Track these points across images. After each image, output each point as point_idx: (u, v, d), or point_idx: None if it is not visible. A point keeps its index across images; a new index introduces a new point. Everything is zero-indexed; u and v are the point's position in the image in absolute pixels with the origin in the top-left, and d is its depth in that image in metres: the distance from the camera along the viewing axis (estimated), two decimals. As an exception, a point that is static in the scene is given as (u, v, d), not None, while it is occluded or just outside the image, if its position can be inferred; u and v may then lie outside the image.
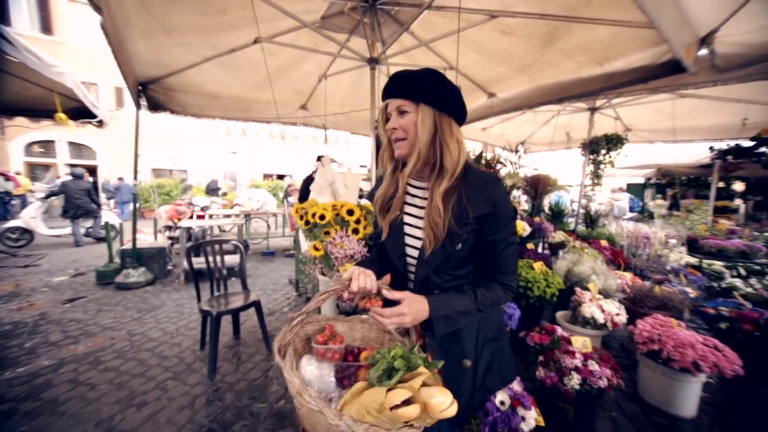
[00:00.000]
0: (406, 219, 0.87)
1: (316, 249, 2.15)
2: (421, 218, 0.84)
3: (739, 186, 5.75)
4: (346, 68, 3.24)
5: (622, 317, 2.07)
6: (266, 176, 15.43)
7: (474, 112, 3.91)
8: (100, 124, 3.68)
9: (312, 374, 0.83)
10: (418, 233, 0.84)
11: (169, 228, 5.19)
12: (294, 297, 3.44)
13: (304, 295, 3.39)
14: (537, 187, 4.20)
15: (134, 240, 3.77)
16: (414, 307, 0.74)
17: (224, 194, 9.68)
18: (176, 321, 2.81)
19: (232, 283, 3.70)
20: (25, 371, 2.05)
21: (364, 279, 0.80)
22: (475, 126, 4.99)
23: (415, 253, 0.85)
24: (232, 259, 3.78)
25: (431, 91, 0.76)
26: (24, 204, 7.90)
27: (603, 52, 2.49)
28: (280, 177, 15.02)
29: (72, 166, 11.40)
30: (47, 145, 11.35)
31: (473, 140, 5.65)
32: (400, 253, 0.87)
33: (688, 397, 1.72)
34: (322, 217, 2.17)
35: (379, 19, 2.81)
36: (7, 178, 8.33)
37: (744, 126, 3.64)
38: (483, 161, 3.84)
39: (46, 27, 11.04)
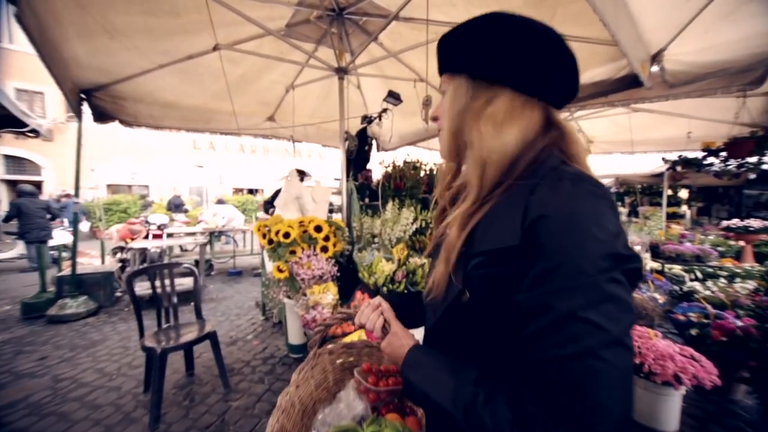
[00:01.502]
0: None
1: (280, 270, 1.95)
2: None
3: (683, 193, 6.26)
4: (315, 78, 3.14)
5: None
6: (236, 191, 14.81)
7: (445, 124, 3.92)
8: (36, 134, 3.27)
9: (345, 400, 0.67)
10: None
11: (120, 249, 4.70)
12: (260, 322, 3.16)
13: (272, 319, 3.12)
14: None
15: (74, 264, 3.33)
16: (394, 345, 0.54)
17: (186, 211, 9.10)
18: (119, 358, 2.45)
19: (189, 310, 3.35)
20: None
21: (368, 314, 0.59)
22: (447, 138, 5.06)
23: None
24: (187, 283, 3.44)
25: (474, 49, 0.46)
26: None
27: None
28: (252, 191, 14.47)
29: (9, 182, 10.28)
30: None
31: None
32: (427, 289, 0.57)
33: (671, 411, 1.68)
34: (286, 235, 1.99)
35: (347, 29, 2.75)
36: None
37: (689, 139, 3.95)
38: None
39: (-15, 32, 10.10)
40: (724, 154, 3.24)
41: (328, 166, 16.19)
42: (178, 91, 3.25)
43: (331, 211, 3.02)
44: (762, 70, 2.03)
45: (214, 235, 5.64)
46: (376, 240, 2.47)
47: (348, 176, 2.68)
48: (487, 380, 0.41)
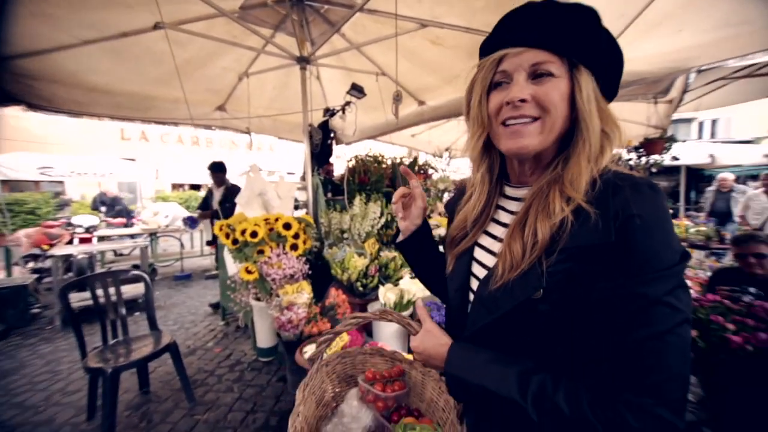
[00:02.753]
0: (482, 239, 0.57)
1: (249, 272, 1.84)
2: (501, 240, 0.52)
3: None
4: (272, 66, 2.95)
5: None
6: (176, 186, 13.43)
7: (406, 118, 3.99)
8: None
9: (349, 413, 0.63)
10: (493, 261, 0.53)
11: (34, 258, 4.00)
12: (220, 327, 2.95)
13: (234, 323, 2.94)
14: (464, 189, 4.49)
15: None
16: (428, 344, 0.53)
17: (130, 212, 8.03)
18: (46, 386, 2.10)
19: (135, 319, 3.00)
20: None
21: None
22: (405, 132, 5.13)
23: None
24: (132, 290, 3.07)
25: (598, 40, 0.46)
26: None
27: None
28: (195, 187, 13.23)
29: None
30: None
31: (403, 146, 5.82)
32: (459, 283, 0.57)
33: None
34: (254, 234, 1.88)
35: (308, 17, 2.63)
36: None
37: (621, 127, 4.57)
38: (416, 167, 3.94)
39: None
40: (642, 150, 3.79)
41: (280, 160, 15.43)
42: (109, 74, 2.82)
43: (296, 207, 2.92)
44: (668, 81, 2.40)
45: (155, 237, 5.08)
46: (345, 236, 2.45)
47: (313, 170, 2.60)
48: (543, 370, 0.44)
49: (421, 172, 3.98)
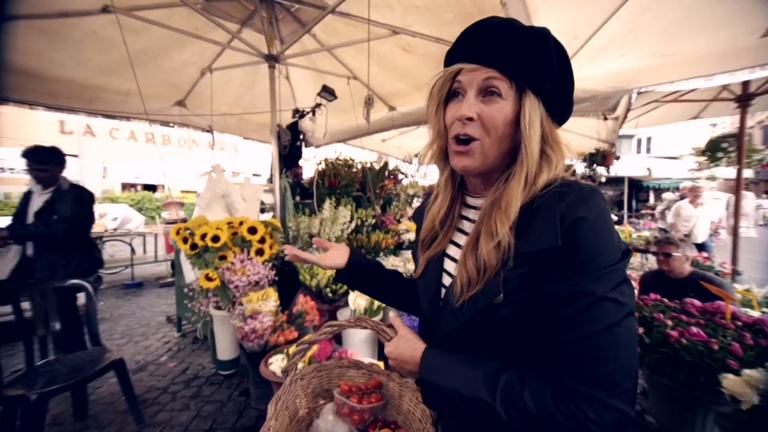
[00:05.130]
0: (449, 249, 0.59)
1: (209, 279, 1.72)
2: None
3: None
4: (239, 63, 2.83)
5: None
6: (126, 186, 12.34)
7: (377, 123, 4.00)
8: None
9: (324, 427, 0.60)
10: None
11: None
12: (176, 339, 2.73)
13: (191, 335, 2.73)
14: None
15: None
16: (402, 349, 0.54)
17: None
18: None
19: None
20: None
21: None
22: (376, 137, 5.14)
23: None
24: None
25: (555, 74, 0.47)
26: None
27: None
28: (149, 188, 12.23)
29: None
30: None
31: (372, 151, 5.83)
32: (431, 294, 0.58)
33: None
34: (215, 239, 1.76)
35: (277, 14, 2.55)
36: None
37: (568, 149, 4.95)
38: (387, 171, 3.97)
39: None
40: (590, 160, 4.13)
41: (246, 161, 14.79)
42: (43, 57, 2.52)
43: (262, 210, 2.79)
44: (615, 100, 2.64)
45: (101, 241, 4.60)
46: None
47: (281, 173, 2.50)
48: (510, 368, 0.46)
49: (391, 177, 4.01)
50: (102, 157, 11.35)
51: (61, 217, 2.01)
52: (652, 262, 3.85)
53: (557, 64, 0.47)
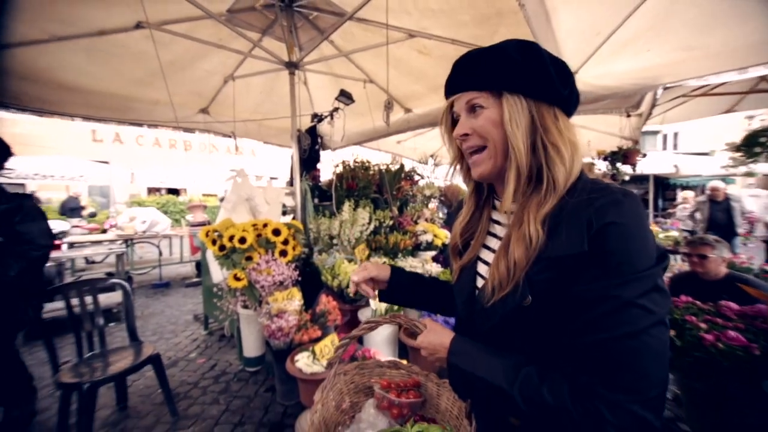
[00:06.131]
0: (482, 253, 0.62)
1: (237, 279, 1.80)
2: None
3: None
4: (260, 70, 2.93)
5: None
6: (152, 191, 12.90)
7: (393, 125, 4.03)
8: None
9: (366, 419, 0.64)
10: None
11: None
12: (203, 336, 2.85)
13: (217, 332, 2.84)
14: (449, 196, 4.57)
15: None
16: (432, 337, 0.58)
17: (92, 215, 7.61)
18: (14, 402, 1.96)
19: (110, 330, 2.84)
20: None
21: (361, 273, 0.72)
22: (391, 139, 5.18)
23: None
24: (109, 300, 2.91)
25: (521, 70, 0.51)
26: None
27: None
28: (173, 192, 12.75)
29: None
30: None
31: (388, 152, 5.86)
32: (465, 297, 0.62)
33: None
34: (242, 240, 1.84)
35: (296, 23, 2.63)
36: None
37: (589, 147, 4.78)
38: (403, 173, 3.98)
39: None
40: (611, 159, 4.00)
41: (263, 164, 15.17)
42: (83, 72, 2.70)
43: (283, 213, 2.88)
44: (639, 96, 2.56)
45: (131, 243, 4.85)
46: (334, 242, 2.44)
47: (302, 176, 2.58)
48: (532, 362, 0.48)
49: (408, 178, 4.03)
50: (129, 162, 11.93)
51: (31, 240, 1.49)
52: (680, 263, 3.69)
53: (523, 60, 0.51)
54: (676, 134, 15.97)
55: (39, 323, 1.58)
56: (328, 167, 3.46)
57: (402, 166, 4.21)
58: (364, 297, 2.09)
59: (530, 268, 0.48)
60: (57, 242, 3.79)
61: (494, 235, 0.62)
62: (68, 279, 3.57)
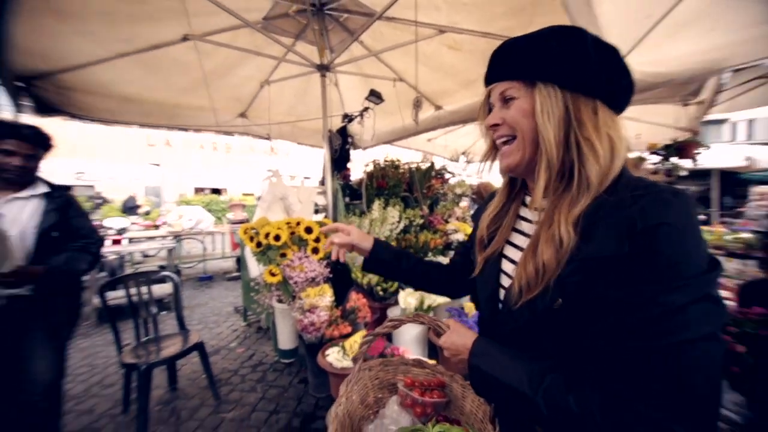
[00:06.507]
0: (506, 250, 0.60)
1: (273, 274, 1.89)
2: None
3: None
4: (293, 74, 3.04)
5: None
6: (198, 191, 13.90)
7: (423, 123, 3.99)
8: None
9: (390, 416, 0.66)
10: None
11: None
12: (242, 328, 3.04)
13: (255, 324, 3.01)
14: (482, 194, 4.44)
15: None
16: (455, 338, 0.57)
17: (147, 213, 8.39)
18: (86, 378, 2.23)
19: (162, 318, 3.12)
20: None
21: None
22: (422, 137, 5.13)
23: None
24: (160, 290, 3.20)
25: (556, 58, 0.48)
26: None
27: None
28: (215, 191, 13.66)
29: None
30: None
31: (419, 150, 5.81)
32: (488, 294, 0.60)
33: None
34: (277, 238, 1.93)
35: (327, 25, 2.69)
36: None
37: (638, 141, 4.38)
38: (433, 171, 3.93)
39: None
40: (663, 153, 3.62)
41: (297, 165, 15.75)
42: (139, 84, 2.98)
43: (315, 211, 2.97)
44: (699, 83, 2.30)
45: (179, 239, 5.27)
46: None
47: (333, 175, 2.64)
48: (559, 369, 0.45)
49: (438, 176, 3.97)
50: (178, 165, 12.96)
51: (89, 240, 1.52)
52: (755, 270, 3.24)
53: (559, 47, 0.48)
54: (751, 122, 13.92)
55: (107, 309, 1.76)
56: (359, 166, 3.51)
57: (432, 164, 4.15)
58: (393, 296, 2.10)
59: (562, 269, 0.45)
60: (119, 237, 4.23)
61: (521, 232, 0.60)
62: (128, 270, 3.97)
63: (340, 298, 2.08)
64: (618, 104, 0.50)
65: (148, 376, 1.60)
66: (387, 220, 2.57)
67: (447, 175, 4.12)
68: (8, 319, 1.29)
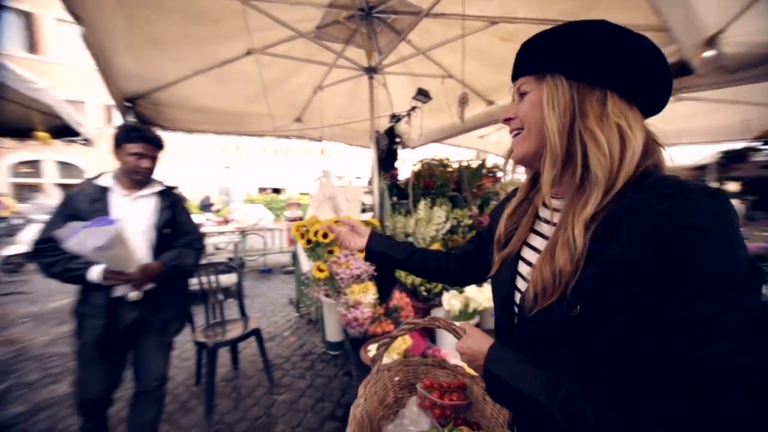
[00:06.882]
0: (524, 252, 0.58)
1: (320, 270, 2.00)
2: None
3: (733, 186, 5.75)
4: (343, 78, 3.16)
5: None
6: (261, 190, 15.25)
7: (473, 120, 3.84)
8: (87, 142, 3.52)
9: (409, 416, 0.69)
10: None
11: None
12: (295, 318, 3.26)
13: (306, 316, 3.21)
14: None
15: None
16: (471, 343, 0.55)
17: (218, 210, 9.48)
18: (169, 351, 2.61)
19: (227, 305, 3.51)
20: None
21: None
22: (473, 134, 4.94)
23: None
24: (227, 280, 3.59)
25: (563, 49, 0.47)
26: (9, 227, 7.61)
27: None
28: (276, 191, 14.85)
29: (61, 185, 11.11)
30: (34, 165, 11.06)
31: (470, 148, 5.60)
32: (503, 296, 0.59)
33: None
34: (325, 235, 2.03)
35: (375, 28, 2.74)
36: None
37: (744, 127, 3.62)
38: (484, 170, 3.76)
39: (33, 46, 10.93)
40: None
41: (348, 164, 16.36)
42: (211, 96, 3.37)
43: (363, 210, 3.05)
44: None
45: (244, 234, 5.85)
46: (410, 239, 2.47)
47: (380, 175, 2.69)
48: (576, 378, 0.43)
49: (490, 175, 3.79)
50: (245, 167, 14.36)
51: (194, 236, 1.61)
52: None
53: (568, 39, 0.48)
54: None
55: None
56: (408, 166, 3.52)
57: (483, 162, 3.98)
58: (437, 297, 2.07)
59: (581, 274, 0.43)
60: (196, 232, 4.84)
61: (539, 234, 0.58)
62: (203, 262, 4.53)
63: (383, 296, 2.11)
64: (646, 98, 0.47)
65: (214, 354, 1.82)
66: (433, 220, 2.53)
67: (499, 174, 3.91)
68: (131, 316, 1.37)
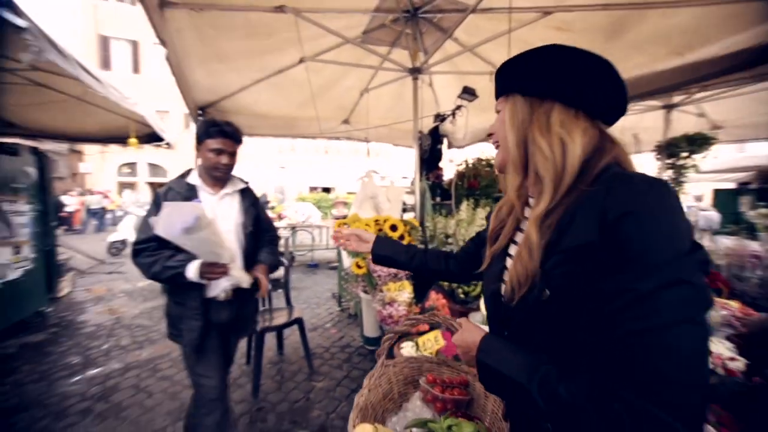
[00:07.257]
0: (511, 248, 0.64)
1: (359, 267, 2.07)
2: None
3: None
4: (388, 81, 3.22)
5: (739, 363, 1.56)
6: (312, 189, 16.13)
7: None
8: (168, 145, 4.09)
9: (413, 409, 0.73)
10: None
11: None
12: (337, 312, 3.41)
13: (347, 310, 3.34)
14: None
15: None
16: (466, 336, 0.59)
17: (272, 207, 10.27)
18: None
19: (276, 295, 3.80)
20: (100, 372, 2.26)
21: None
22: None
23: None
24: (276, 272, 3.89)
25: (521, 71, 0.55)
26: (114, 218, 9.19)
27: (684, 39, 2.15)
28: (325, 190, 15.60)
29: (150, 184, 13.05)
30: (132, 166, 13.14)
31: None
32: (492, 290, 0.63)
33: None
34: (364, 233, 2.11)
35: (421, 29, 2.74)
36: (105, 197, 9.81)
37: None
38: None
39: (136, 67, 13.07)
40: None
41: (395, 164, 16.52)
42: (268, 103, 3.68)
43: (404, 210, 3.08)
44: None
45: (294, 230, 6.26)
46: (449, 240, 2.43)
47: (421, 176, 2.69)
48: (553, 361, 0.47)
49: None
50: (298, 167, 15.31)
51: (272, 233, 1.64)
52: None
53: (525, 62, 0.55)
54: None
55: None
56: (454, 166, 3.46)
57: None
58: (475, 300, 2.01)
59: (545, 262, 0.48)
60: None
61: (522, 231, 0.64)
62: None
63: (420, 296, 2.12)
64: (594, 106, 0.52)
65: (262, 338, 2.00)
66: (475, 222, 2.45)
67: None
68: (223, 315, 1.38)
